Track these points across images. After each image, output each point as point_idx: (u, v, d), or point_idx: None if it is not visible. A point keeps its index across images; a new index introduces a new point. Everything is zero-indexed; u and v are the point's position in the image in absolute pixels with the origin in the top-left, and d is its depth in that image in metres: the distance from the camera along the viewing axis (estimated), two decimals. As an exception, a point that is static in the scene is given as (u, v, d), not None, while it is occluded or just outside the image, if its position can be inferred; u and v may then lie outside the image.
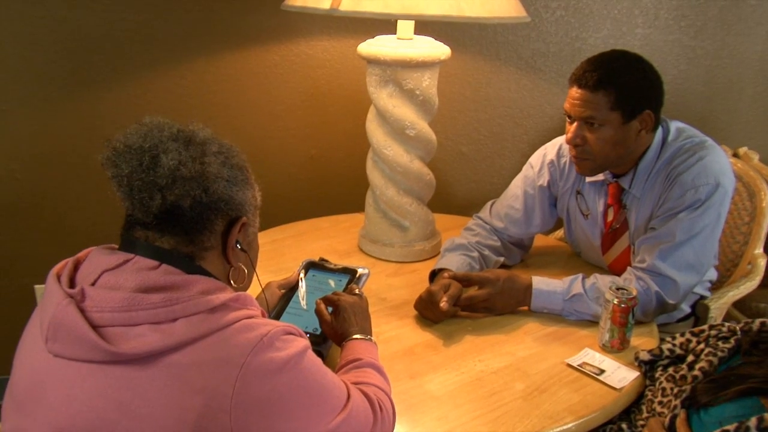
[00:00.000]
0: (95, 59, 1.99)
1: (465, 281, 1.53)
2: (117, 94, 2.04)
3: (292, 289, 1.42)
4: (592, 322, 1.52)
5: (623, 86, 1.45)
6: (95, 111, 2.04)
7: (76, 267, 0.96)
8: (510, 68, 2.35)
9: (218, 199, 0.95)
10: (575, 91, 1.49)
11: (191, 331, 0.85)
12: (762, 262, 1.91)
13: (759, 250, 1.95)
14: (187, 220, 0.93)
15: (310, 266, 1.47)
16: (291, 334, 0.93)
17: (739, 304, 2.17)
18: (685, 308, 1.72)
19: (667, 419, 1.20)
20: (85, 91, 2.02)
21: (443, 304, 1.45)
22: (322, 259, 1.50)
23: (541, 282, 1.54)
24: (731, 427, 1.09)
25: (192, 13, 2.01)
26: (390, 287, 1.67)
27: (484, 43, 2.27)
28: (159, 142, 0.92)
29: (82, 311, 0.86)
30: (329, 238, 1.93)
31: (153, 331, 0.85)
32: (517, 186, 1.76)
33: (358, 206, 2.16)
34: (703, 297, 1.74)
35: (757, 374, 1.17)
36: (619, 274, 1.59)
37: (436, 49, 1.65)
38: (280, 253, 1.81)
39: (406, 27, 1.67)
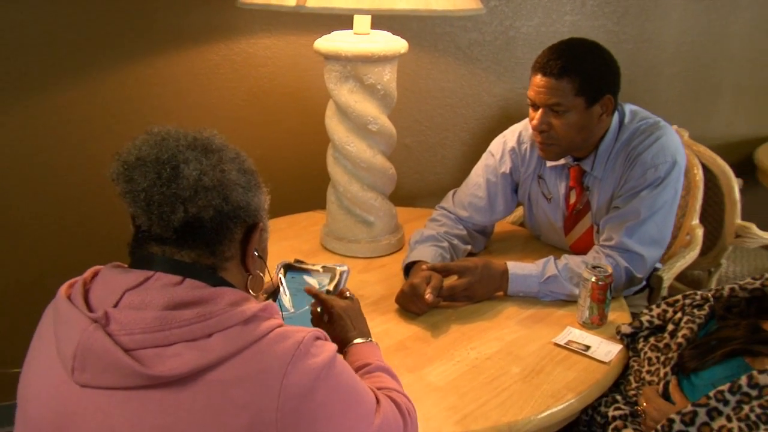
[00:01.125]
0: (28, 63, 1.87)
1: (444, 271, 1.55)
2: (50, 103, 1.92)
3: (273, 293, 1.39)
4: (566, 302, 1.58)
5: (586, 73, 1.51)
6: (27, 121, 1.91)
7: (85, 288, 0.90)
8: (448, 59, 2.38)
9: (237, 207, 0.91)
10: (540, 79, 1.53)
11: (229, 346, 0.82)
12: (699, 233, 2.03)
13: (695, 221, 2.07)
14: (208, 231, 0.89)
15: (287, 268, 1.45)
16: (320, 338, 0.91)
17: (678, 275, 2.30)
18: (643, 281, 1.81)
19: (661, 386, 1.27)
20: (16, 99, 1.89)
21: (428, 296, 1.46)
22: (297, 261, 1.48)
23: (516, 267, 1.58)
24: (725, 387, 1.16)
25: (126, 13, 1.92)
26: (364, 284, 1.66)
27: (423, 35, 2.29)
28: (177, 152, 0.88)
29: (109, 336, 0.81)
30: (290, 238, 1.90)
31: (189, 349, 0.81)
32: (478, 175, 1.79)
33: (312, 204, 2.14)
34: (655, 269, 1.84)
35: (737, 336, 1.25)
36: (581, 254, 1.65)
37: (395, 43, 1.65)
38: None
39: (362, 22, 1.66)
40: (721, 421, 1.14)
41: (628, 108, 1.64)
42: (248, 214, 0.93)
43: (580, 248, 1.74)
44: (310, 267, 1.44)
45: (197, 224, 0.88)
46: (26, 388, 0.88)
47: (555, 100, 1.52)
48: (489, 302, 1.58)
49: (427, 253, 1.64)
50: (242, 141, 2.07)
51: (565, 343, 1.42)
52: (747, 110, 2.96)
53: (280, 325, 0.88)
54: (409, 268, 1.64)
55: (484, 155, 1.82)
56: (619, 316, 1.53)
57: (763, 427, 1.11)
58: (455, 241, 1.72)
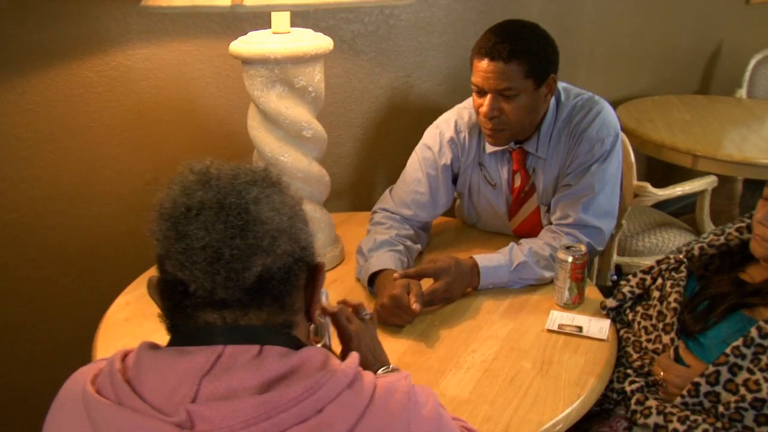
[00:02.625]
0: None
1: (419, 276, 1.47)
2: None
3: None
4: (536, 287, 1.57)
5: (533, 54, 1.49)
6: None
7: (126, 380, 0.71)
8: (334, 53, 2.25)
9: (303, 248, 0.76)
10: (488, 64, 1.49)
11: (348, 417, 0.68)
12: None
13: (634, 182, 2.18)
14: (276, 283, 0.74)
15: None
16: (408, 377, 0.79)
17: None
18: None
19: (671, 352, 1.29)
20: None
21: (416, 305, 1.37)
22: None
23: (483, 259, 1.54)
24: (739, 342, 1.20)
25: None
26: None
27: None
28: (241, 191, 0.71)
29: None
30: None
31: (312, 429, 0.66)
32: (416, 170, 1.72)
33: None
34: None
35: (727, 292, 1.31)
36: (524, 236, 1.65)
37: (322, 41, 1.52)
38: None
39: (281, 19, 1.51)
40: (744, 374, 1.18)
41: (561, 85, 1.66)
42: (310, 255, 0.79)
43: (524, 230, 1.74)
44: None
45: (267, 277, 0.72)
46: None
47: (506, 85, 1.48)
48: (462, 301, 1.52)
49: (386, 260, 1.54)
50: (130, 165, 1.85)
51: (558, 328, 1.40)
52: (602, 77, 3.17)
53: (366, 375, 0.76)
54: (372, 279, 1.53)
55: (419, 149, 1.75)
56: (589, 291, 1.54)
57: (784, 374, 1.16)
58: (408, 243, 1.64)
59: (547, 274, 1.55)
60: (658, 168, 3.12)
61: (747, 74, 3.70)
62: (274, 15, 1.51)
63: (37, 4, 1.66)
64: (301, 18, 2.13)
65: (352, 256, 1.66)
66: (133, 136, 1.91)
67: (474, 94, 1.56)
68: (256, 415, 0.65)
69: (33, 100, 1.72)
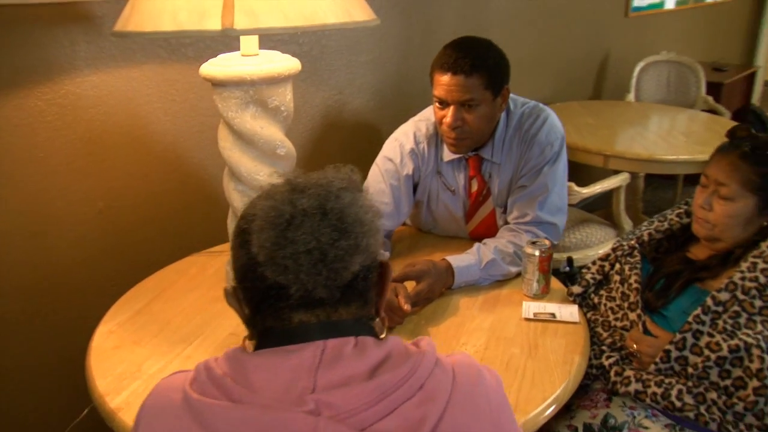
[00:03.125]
0: None
1: (402, 279, 1.55)
2: None
3: None
4: (502, 282, 1.69)
5: (491, 67, 1.62)
6: None
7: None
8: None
9: (378, 245, 0.84)
10: (450, 78, 1.60)
11: (443, 391, 0.77)
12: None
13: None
14: (361, 281, 0.81)
15: None
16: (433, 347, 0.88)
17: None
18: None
19: (640, 327, 1.44)
20: None
21: (407, 306, 1.45)
22: None
23: (455, 260, 1.64)
24: (698, 311, 1.37)
25: None
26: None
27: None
28: (337, 196, 0.77)
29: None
30: (194, 289, 1.71)
31: (416, 407, 0.74)
32: (378, 182, 1.81)
33: (178, 249, 1.95)
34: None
35: (681, 269, 1.48)
36: (480, 238, 1.78)
37: (291, 61, 1.58)
38: (174, 324, 1.54)
39: (251, 42, 1.56)
40: (705, 338, 1.35)
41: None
42: (377, 256, 0.86)
43: (479, 232, 1.86)
44: None
45: (359, 275, 0.79)
46: None
47: (468, 96, 1.60)
48: (440, 301, 1.62)
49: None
50: (82, 194, 1.84)
51: (534, 316, 1.53)
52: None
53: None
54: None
55: (380, 162, 1.83)
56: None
57: (738, 332, 1.33)
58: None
59: (513, 270, 1.67)
60: (573, 169, 3.37)
61: (633, 80, 4.06)
62: (243, 39, 1.55)
63: (-16, 33, 1.62)
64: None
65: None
66: (84, 164, 1.88)
67: (436, 107, 1.67)
68: (373, 397, 0.71)
69: (-19, 132, 1.67)
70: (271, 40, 2.25)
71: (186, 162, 2.11)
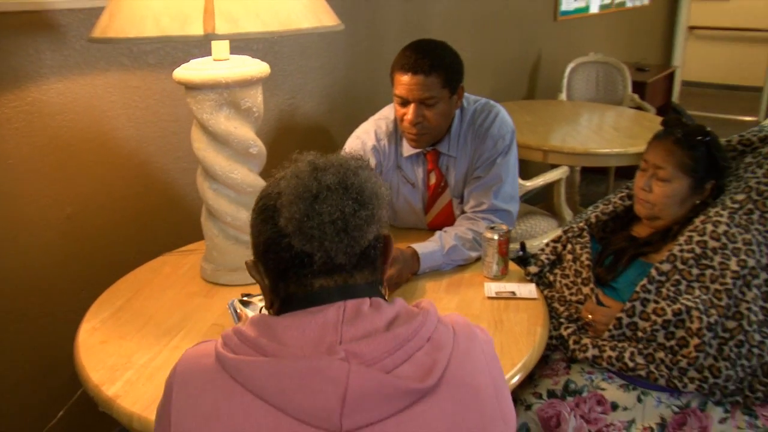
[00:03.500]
0: None
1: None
2: None
3: None
4: (463, 266, 1.81)
5: (448, 67, 1.74)
6: None
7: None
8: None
9: (384, 218, 0.93)
10: (411, 78, 1.72)
11: (447, 342, 0.88)
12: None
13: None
14: (372, 249, 0.91)
15: (244, 305, 1.44)
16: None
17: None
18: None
19: (593, 298, 1.59)
20: None
21: (384, 291, 1.55)
22: (244, 294, 1.47)
23: (420, 247, 1.76)
24: (644, 281, 1.52)
25: None
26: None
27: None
28: (355, 172, 0.87)
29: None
30: (167, 288, 1.77)
31: (427, 355, 0.85)
32: (343, 177, 1.90)
33: (148, 251, 2.00)
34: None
35: (626, 246, 1.64)
36: (439, 227, 1.90)
37: (262, 65, 1.67)
38: (156, 321, 1.60)
39: (222, 48, 1.64)
40: (652, 305, 1.51)
41: (460, 94, 1.93)
42: (384, 225, 0.96)
43: (438, 223, 1.98)
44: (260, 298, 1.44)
45: (372, 243, 0.89)
46: None
47: (428, 94, 1.72)
48: (406, 286, 1.72)
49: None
50: (50, 200, 1.88)
51: (496, 294, 1.66)
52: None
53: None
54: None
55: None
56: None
57: (680, 297, 1.49)
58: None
59: (474, 254, 1.80)
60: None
61: (565, 80, 4.28)
62: (214, 44, 1.63)
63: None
64: (199, 49, 2.24)
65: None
66: (52, 170, 1.91)
67: (397, 105, 1.79)
68: (391, 346, 0.82)
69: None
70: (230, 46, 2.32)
71: (149, 167, 2.16)
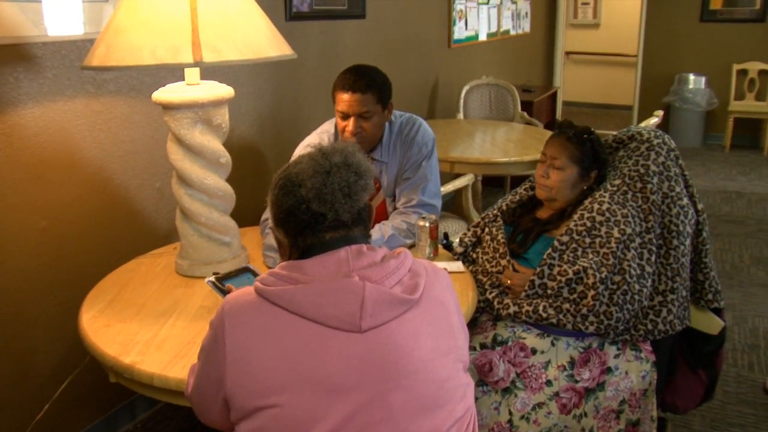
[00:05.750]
0: None
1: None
2: None
3: None
4: (402, 251, 2.16)
5: (380, 86, 2.11)
6: None
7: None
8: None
9: (368, 188, 1.27)
10: (350, 96, 2.06)
11: (422, 272, 1.23)
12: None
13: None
14: (363, 210, 1.24)
15: (222, 280, 1.71)
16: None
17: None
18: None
19: (511, 267, 1.98)
20: None
21: None
22: (216, 273, 1.74)
23: (366, 237, 2.09)
24: (549, 251, 1.93)
25: None
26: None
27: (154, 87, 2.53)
28: (354, 154, 1.20)
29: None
30: (149, 282, 2.01)
31: (410, 279, 1.19)
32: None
33: (122, 254, 2.23)
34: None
35: (533, 226, 2.05)
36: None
37: (228, 88, 1.96)
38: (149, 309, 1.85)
39: (193, 74, 1.93)
40: (557, 268, 1.91)
41: (387, 109, 2.29)
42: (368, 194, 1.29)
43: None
44: (233, 272, 1.75)
45: (364, 206, 1.23)
46: (294, 375, 1.10)
47: (365, 109, 2.08)
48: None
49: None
50: (27, 213, 2.12)
51: (433, 271, 2.01)
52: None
53: None
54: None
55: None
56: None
57: (578, 261, 1.90)
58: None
59: (408, 241, 2.15)
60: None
61: (461, 101, 4.76)
62: (187, 71, 1.91)
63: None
64: (151, 77, 2.50)
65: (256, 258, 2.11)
66: (28, 186, 2.12)
67: (338, 119, 2.13)
68: (387, 272, 1.15)
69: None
70: (175, 74, 2.59)
71: (112, 184, 2.39)
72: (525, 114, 4.86)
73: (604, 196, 1.98)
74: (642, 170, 2.00)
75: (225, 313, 1.17)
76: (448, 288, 1.26)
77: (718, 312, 2.07)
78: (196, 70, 1.93)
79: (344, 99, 2.09)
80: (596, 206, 1.96)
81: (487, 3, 5.60)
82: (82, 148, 2.26)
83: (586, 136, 2.05)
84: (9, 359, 2.14)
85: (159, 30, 1.67)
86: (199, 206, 1.98)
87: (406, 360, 1.12)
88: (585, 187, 2.06)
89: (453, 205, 3.95)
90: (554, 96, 6.34)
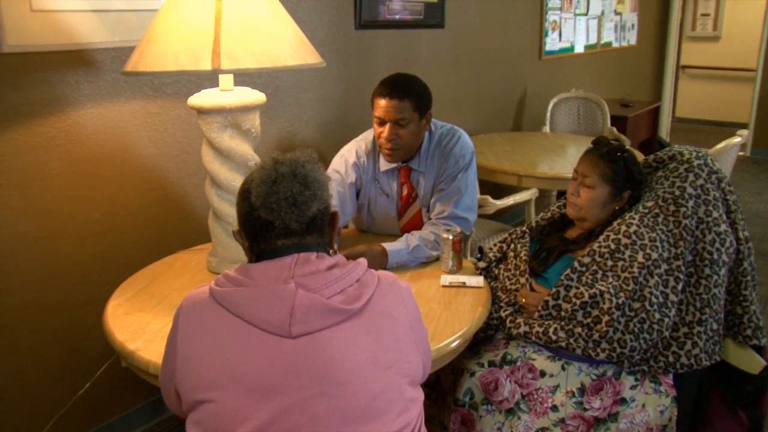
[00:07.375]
0: None
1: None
2: None
3: None
4: (425, 264, 2.15)
5: (418, 95, 2.12)
6: None
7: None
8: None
9: (328, 199, 1.29)
10: (387, 102, 2.08)
11: (372, 283, 1.23)
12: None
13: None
14: (319, 220, 1.26)
15: None
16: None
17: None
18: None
19: (527, 287, 1.92)
20: None
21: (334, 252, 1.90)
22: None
23: (389, 245, 2.10)
24: (568, 271, 1.86)
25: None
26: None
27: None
28: (303, 165, 1.23)
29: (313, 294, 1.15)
30: (185, 275, 2.12)
31: (356, 289, 1.19)
32: (328, 189, 2.27)
33: (166, 248, 2.36)
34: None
35: (556, 244, 1.98)
36: (409, 232, 2.25)
37: (259, 95, 2.04)
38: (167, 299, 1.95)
39: (227, 80, 2.02)
40: (573, 290, 1.84)
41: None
42: (330, 205, 1.31)
43: (409, 228, 2.33)
44: None
45: (317, 215, 1.25)
46: (223, 366, 1.14)
47: (401, 116, 2.09)
48: (378, 276, 2.07)
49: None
50: (82, 205, 2.26)
51: (449, 284, 1.99)
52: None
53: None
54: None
55: (329, 173, 2.29)
56: (464, 262, 2.16)
57: (596, 284, 1.82)
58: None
59: (434, 253, 2.14)
60: (492, 188, 3.89)
61: (548, 114, 4.65)
62: (221, 77, 2.00)
63: (5, 73, 2.02)
64: (210, 81, 2.63)
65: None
66: (84, 180, 2.29)
67: (375, 125, 2.15)
68: (329, 281, 1.16)
69: (5, 152, 2.07)
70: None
71: (165, 180, 2.53)
72: (614, 129, 4.68)
73: (634, 218, 1.88)
74: (677, 192, 1.88)
75: (181, 309, 1.23)
76: (401, 301, 1.25)
77: (759, 350, 1.91)
78: (230, 77, 2.02)
79: (381, 105, 2.11)
80: (623, 228, 1.87)
81: (586, 14, 5.44)
82: (138, 147, 2.42)
83: (619, 154, 1.96)
84: (64, 337, 2.32)
85: (184, 38, 1.77)
86: (227, 207, 2.06)
87: (335, 370, 1.13)
88: (617, 208, 1.97)
89: (515, 221, 3.86)
90: (656, 111, 6.04)
